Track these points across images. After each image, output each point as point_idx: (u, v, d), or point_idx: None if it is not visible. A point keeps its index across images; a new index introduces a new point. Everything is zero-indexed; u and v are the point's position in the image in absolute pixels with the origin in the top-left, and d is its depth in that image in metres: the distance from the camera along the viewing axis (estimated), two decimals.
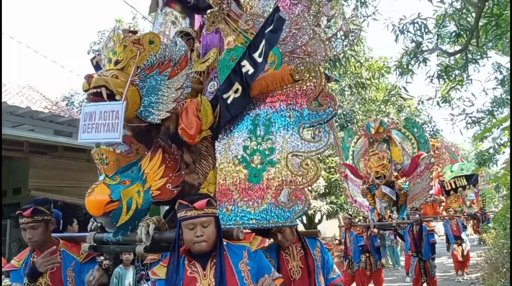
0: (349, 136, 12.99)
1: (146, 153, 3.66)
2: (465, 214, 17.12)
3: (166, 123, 3.65)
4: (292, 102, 3.76)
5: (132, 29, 3.76)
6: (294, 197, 3.53)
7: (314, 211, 19.44)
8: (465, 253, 15.34)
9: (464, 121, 18.53)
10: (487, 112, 18.67)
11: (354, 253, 11.82)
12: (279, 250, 4.44)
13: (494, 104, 18.53)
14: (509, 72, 14.84)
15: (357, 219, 13.46)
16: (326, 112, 3.63)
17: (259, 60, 3.77)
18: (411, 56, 13.81)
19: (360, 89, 19.26)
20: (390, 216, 11.39)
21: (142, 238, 3.29)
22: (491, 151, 16.03)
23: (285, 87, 3.82)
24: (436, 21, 13.63)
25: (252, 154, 3.76)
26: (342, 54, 13.95)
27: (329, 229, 25.79)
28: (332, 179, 20.07)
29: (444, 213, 16.38)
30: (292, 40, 4.52)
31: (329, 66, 13.89)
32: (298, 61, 4.06)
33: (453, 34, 13.30)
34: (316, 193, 18.63)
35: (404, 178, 11.39)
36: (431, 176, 11.12)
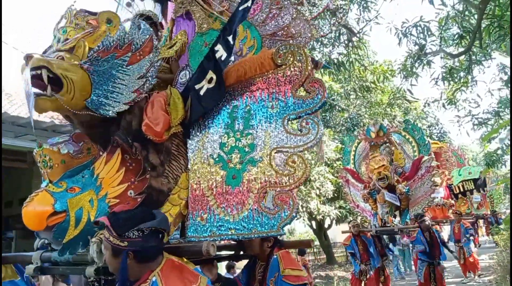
0: (350, 140, 12.38)
1: (101, 154, 2.96)
2: (472, 216, 16.40)
3: (128, 118, 2.99)
4: (274, 91, 3.11)
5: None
6: (280, 201, 2.85)
7: (323, 216, 18.70)
8: (475, 256, 14.68)
9: (470, 122, 17.98)
10: (493, 113, 18.12)
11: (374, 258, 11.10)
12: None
13: (500, 105, 18.03)
14: None
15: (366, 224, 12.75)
16: (314, 101, 2.97)
17: (232, 42, 3.12)
18: (415, 59, 13.51)
19: (365, 92, 18.67)
20: (392, 221, 10.78)
21: (93, 258, 2.60)
22: (499, 152, 15.44)
23: (266, 73, 3.16)
24: (438, 24, 13.44)
25: (230, 152, 3.09)
26: (346, 58, 13.57)
27: (339, 234, 25.02)
28: (341, 184, 19.29)
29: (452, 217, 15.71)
30: (273, 21, 3.84)
31: (333, 70, 13.54)
32: (280, 44, 3.35)
33: (456, 36, 13.09)
34: (325, 198, 17.87)
35: (405, 182, 10.74)
36: (432, 180, 10.48)
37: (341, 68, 13.78)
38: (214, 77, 3.10)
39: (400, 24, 12.98)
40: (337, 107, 22.19)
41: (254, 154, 3.00)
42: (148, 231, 2.44)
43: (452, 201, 15.95)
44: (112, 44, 2.87)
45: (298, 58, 3.06)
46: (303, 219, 18.68)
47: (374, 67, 18.60)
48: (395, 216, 11.06)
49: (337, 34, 12.92)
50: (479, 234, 20.09)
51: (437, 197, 14.81)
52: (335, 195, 18.52)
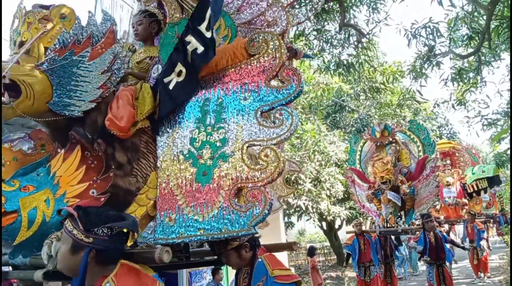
0: (356, 140, 12.07)
1: (58, 151, 2.72)
2: (482, 216, 15.91)
3: (93, 115, 2.76)
4: (247, 81, 2.86)
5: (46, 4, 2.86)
6: (251, 198, 2.61)
7: (333, 217, 18.30)
8: (487, 256, 14.26)
9: (480, 123, 17.69)
10: (502, 113, 17.75)
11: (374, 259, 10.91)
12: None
13: (509, 105, 17.49)
14: None
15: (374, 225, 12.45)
16: (289, 90, 2.72)
17: (208, 35, 2.85)
18: (424, 59, 13.27)
19: (375, 93, 18.29)
20: (397, 222, 10.49)
21: (44, 261, 2.35)
22: (509, 152, 15.05)
23: (238, 63, 2.92)
24: (447, 25, 13.13)
25: (201, 147, 2.84)
26: (355, 59, 13.33)
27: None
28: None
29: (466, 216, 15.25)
30: (248, 9, 3.58)
31: (343, 71, 13.32)
32: (254, 33, 3.10)
33: (465, 37, 12.85)
34: (335, 198, 17.50)
35: (409, 183, 10.47)
36: (437, 180, 10.32)
37: (351, 69, 13.45)
38: (184, 70, 2.87)
39: (409, 25, 12.75)
40: (347, 108, 21.91)
41: (226, 149, 2.76)
42: (117, 231, 2.20)
43: (465, 200, 15.45)
44: (69, 40, 2.67)
45: (271, 46, 2.81)
46: (314, 220, 18.39)
47: (383, 68, 18.29)
48: (400, 217, 10.77)
49: (347, 35, 12.72)
50: (489, 234, 19.53)
51: (450, 197, 14.48)
52: (346, 195, 18.12)
